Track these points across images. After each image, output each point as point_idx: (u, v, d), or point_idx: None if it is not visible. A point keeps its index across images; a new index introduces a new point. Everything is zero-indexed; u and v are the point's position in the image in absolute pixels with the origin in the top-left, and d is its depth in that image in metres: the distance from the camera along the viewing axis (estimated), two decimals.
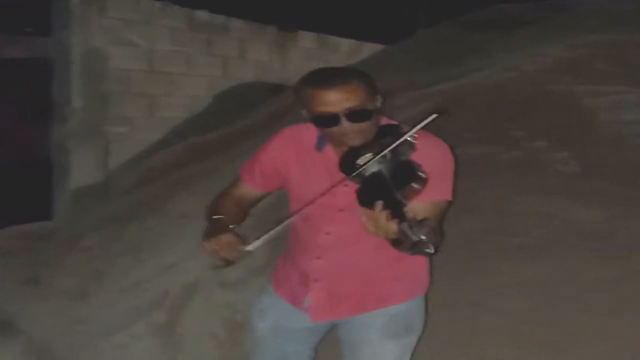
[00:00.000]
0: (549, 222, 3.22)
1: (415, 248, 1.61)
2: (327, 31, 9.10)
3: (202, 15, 7.46)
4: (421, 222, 1.62)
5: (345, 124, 1.87)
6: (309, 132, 2.09)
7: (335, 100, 1.85)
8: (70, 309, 3.72)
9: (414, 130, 1.86)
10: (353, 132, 1.89)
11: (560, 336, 2.61)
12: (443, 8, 8.88)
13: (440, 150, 2.03)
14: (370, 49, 9.27)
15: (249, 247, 1.96)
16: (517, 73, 4.70)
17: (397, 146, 1.86)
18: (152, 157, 6.10)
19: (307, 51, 8.72)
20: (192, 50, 7.32)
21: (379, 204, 1.68)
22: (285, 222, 1.99)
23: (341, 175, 1.93)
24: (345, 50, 9.13)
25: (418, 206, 1.80)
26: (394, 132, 1.91)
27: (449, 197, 2.02)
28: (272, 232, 1.96)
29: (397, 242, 1.65)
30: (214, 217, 2.13)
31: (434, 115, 1.87)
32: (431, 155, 1.93)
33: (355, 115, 1.86)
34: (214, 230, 2.00)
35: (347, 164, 1.91)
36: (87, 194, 6.17)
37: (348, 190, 1.93)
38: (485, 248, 3.14)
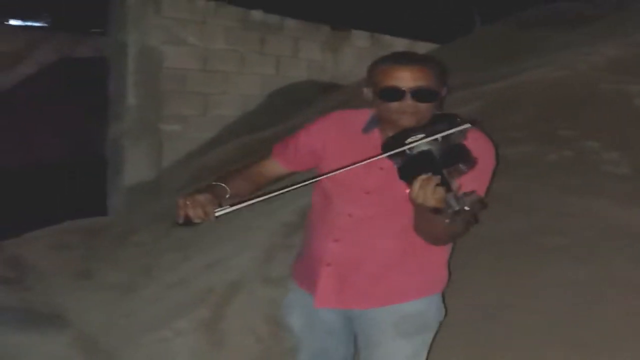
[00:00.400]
0: (595, 224, 3.13)
1: (457, 216, 1.61)
2: (381, 30, 9.02)
3: (257, 14, 7.53)
4: (467, 194, 1.62)
5: (409, 100, 1.90)
6: (359, 117, 2.10)
7: (406, 77, 1.90)
8: (118, 302, 3.79)
9: (457, 129, 1.81)
10: (411, 111, 1.91)
11: (601, 338, 2.55)
12: (498, 6, 8.71)
13: (487, 148, 2.00)
14: (424, 48, 9.13)
15: (217, 212, 1.90)
16: (570, 72, 4.60)
17: (449, 134, 1.83)
18: (205, 155, 6.17)
19: (360, 50, 8.65)
20: (245, 49, 7.37)
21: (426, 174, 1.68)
22: (262, 198, 1.91)
23: (381, 161, 1.89)
24: (399, 50, 9.01)
25: None
26: (450, 120, 1.88)
27: (482, 193, 1.97)
28: (244, 204, 1.89)
29: (439, 211, 1.64)
30: (213, 182, 2.11)
31: (467, 125, 1.82)
32: (478, 149, 1.87)
33: (420, 93, 1.90)
34: (196, 189, 2.00)
35: (393, 144, 1.87)
36: (140, 190, 6.29)
37: (381, 174, 1.95)
38: (530, 248, 3.08)
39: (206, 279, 3.61)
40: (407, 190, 1.71)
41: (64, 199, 7.44)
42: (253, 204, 1.89)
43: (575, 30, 5.92)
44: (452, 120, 1.87)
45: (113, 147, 6.37)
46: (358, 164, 1.87)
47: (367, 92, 2.03)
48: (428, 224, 1.84)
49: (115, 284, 4.01)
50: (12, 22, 17.44)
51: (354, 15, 8.53)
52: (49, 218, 5.56)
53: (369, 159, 1.87)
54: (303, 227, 2.23)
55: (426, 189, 1.65)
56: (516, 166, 3.82)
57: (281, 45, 7.82)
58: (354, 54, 8.55)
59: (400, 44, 9.20)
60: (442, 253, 2.15)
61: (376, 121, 2.06)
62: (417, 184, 1.67)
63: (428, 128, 1.86)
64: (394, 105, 1.91)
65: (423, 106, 1.91)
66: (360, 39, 8.78)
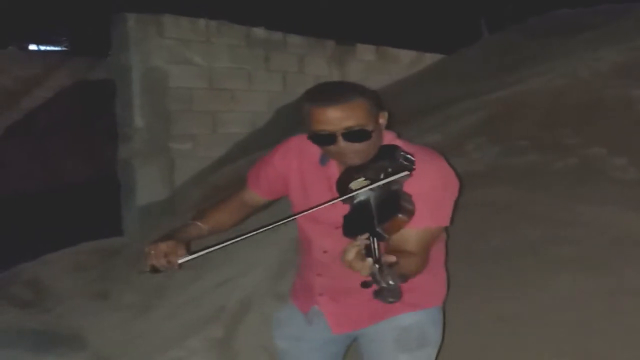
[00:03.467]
0: (605, 233, 3.15)
1: (379, 295, 1.59)
2: (387, 43, 9.05)
3: (260, 32, 7.57)
4: (391, 267, 1.60)
5: (342, 143, 1.83)
6: (315, 146, 2.05)
7: (333, 118, 1.80)
8: (132, 323, 3.83)
9: (389, 179, 1.80)
10: (351, 152, 1.85)
11: (613, 350, 2.55)
12: (506, 15, 8.74)
13: (439, 175, 1.96)
14: (431, 59, 9.21)
15: (180, 260, 1.92)
16: (573, 79, 4.63)
17: (393, 170, 1.82)
18: (217, 173, 6.20)
19: (367, 64, 8.67)
20: (251, 66, 7.41)
21: (359, 238, 1.66)
22: (224, 244, 1.88)
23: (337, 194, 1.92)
24: (406, 62, 9.04)
25: (409, 232, 1.80)
26: (392, 156, 1.87)
27: (445, 224, 1.98)
28: (206, 251, 1.88)
29: (366, 284, 1.62)
30: (188, 222, 2.15)
31: (405, 173, 1.81)
32: (429, 181, 1.89)
33: (352, 135, 1.82)
34: (162, 236, 2.00)
35: (343, 184, 1.89)
36: (154, 210, 6.34)
37: (345, 208, 1.91)
38: (540, 258, 3.11)
39: (218, 297, 3.64)
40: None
41: (80, 220, 7.53)
42: (214, 250, 1.88)
43: (577, 37, 5.94)
44: (393, 155, 1.86)
45: (124, 168, 6.41)
46: (317, 208, 1.87)
47: (307, 131, 1.94)
48: None
49: (131, 304, 4.05)
50: (31, 47, 17.74)
51: (359, 29, 8.57)
52: (65, 240, 5.63)
53: (323, 203, 1.87)
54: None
55: (356, 262, 1.62)
56: (523, 175, 3.84)
57: (286, 62, 7.86)
58: (360, 68, 8.57)
59: (406, 56, 9.25)
60: (435, 265, 2.13)
61: None
62: (349, 254, 1.64)
63: (371, 168, 1.86)
64: (331, 148, 1.86)
65: (360, 146, 1.85)
66: (366, 52, 8.80)
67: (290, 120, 6.87)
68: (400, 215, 1.71)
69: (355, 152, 1.86)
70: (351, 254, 1.63)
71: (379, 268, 1.59)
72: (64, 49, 17.95)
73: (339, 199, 1.85)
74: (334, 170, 2.01)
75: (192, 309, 3.65)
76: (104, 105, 7.46)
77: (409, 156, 1.87)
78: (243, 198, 2.28)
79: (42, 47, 18.15)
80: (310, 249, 2.13)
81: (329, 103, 1.81)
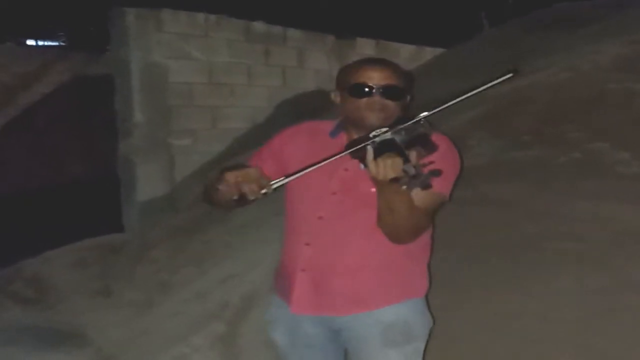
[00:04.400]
0: (608, 228, 3.10)
1: (414, 180, 1.66)
2: (387, 37, 9.03)
3: (259, 26, 7.53)
4: (424, 164, 1.71)
5: (376, 97, 1.99)
6: (327, 124, 2.17)
7: (375, 76, 2.01)
8: (136, 320, 3.83)
9: (415, 119, 1.83)
10: (378, 107, 1.99)
11: (617, 347, 2.53)
12: (506, 9, 8.70)
13: (449, 150, 2.06)
14: (431, 53, 9.16)
15: (273, 184, 1.87)
16: (575, 73, 4.58)
17: (412, 129, 1.83)
18: (217, 169, 6.16)
19: None
20: (250, 61, 7.36)
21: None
22: (308, 169, 1.88)
23: (346, 161, 1.96)
24: (406, 56, 8.98)
25: (418, 191, 1.80)
26: (409, 119, 1.87)
27: (447, 193, 2.02)
28: (296, 175, 1.88)
29: (397, 180, 1.70)
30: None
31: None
32: (443, 149, 1.94)
33: (388, 91, 2.00)
34: (239, 166, 1.94)
35: (356, 142, 1.88)
36: (155, 206, 6.31)
37: (345, 175, 2.01)
38: (543, 254, 3.06)
39: (221, 294, 3.63)
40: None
41: (80, 217, 7.50)
42: (309, 170, 1.88)
43: (578, 31, 5.89)
44: (411, 120, 1.86)
45: (124, 164, 6.39)
46: (322, 163, 1.87)
47: (335, 95, 2.12)
48: (389, 208, 1.86)
49: (133, 301, 4.06)
50: (29, 42, 17.70)
51: (359, 23, 8.53)
52: (66, 237, 5.63)
53: (333, 156, 1.87)
54: (285, 216, 2.22)
55: (385, 162, 1.71)
56: (525, 170, 3.81)
57: (286, 56, 7.83)
58: None
59: (406, 50, 9.24)
60: (419, 256, 2.15)
61: (343, 125, 2.13)
62: (376, 163, 1.74)
63: (392, 125, 1.87)
64: (363, 101, 2.00)
65: (390, 104, 2.00)
66: (366, 46, 8.78)
67: (291, 115, 6.85)
68: (422, 148, 1.78)
69: (383, 108, 1.99)
70: (385, 158, 1.72)
71: (413, 164, 1.68)
72: (62, 44, 17.92)
73: (362, 145, 1.82)
74: (343, 139, 2.07)
75: (195, 305, 3.65)
76: (102, 101, 7.40)
77: (424, 122, 1.88)
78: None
79: (40, 43, 18.13)
80: (301, 218, 2.11)
81: (375, 64, 2.05)
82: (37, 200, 9.48)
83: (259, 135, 6.77)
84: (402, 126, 1.82)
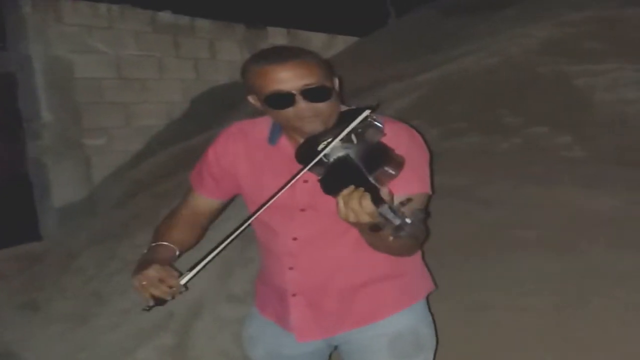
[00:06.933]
0: (563, 213, 3.07)
1: (400, 231, 1.39)
2: (297, 26, 8.87)
3: (166, 16, 7.22)
4: (404, 204, 1.42)
5: (302, 103, 1.66)
6: (260, 126, 1.91)
7: (289, 77, 1.64)
8: (72, 334, 3.53)
9: (360, 118, 1.67)
10: (311, 114, 1.68)
11: (592, 334, 2.47)
12: None
13: (412, 137, 1.83)
14: (344, 42, 9.09)
15: (182, 280, 1.73)
16: (505, 56, 4.60)
17: (363, 130, 1.67)
18: (137, 169, 5.91)
19: None
20: (160, 53, 7.07)
21: (350, 187, 1.49)
22: (225, 243, 1.70)
23: (298, 167, 1.70)
24: (318, 45, 8.87)
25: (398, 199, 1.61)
26: (357, 115, 1.70)
27: (429, 190, 1.84)
28: (208, 258, 1.70)
29: (377, 227, 1.45)
30: (153, 244, 1.93)
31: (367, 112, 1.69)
32: (403, 142, 1.75)
33: (312, 93, 1.66)
34: (141, 264, 1.79)
35: (306, 153, 1.70)
36: (73, 210, 6.00)
37: (308, 187, 1.77)
38: (500, 243, 3.00)
39: None
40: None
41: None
42: (212, 259, 1.70)
43: (498, 14, 5.91)
44: (358, 114, 1.70)
45: (35, 167, 6.01)
46: (282, 190, 1.67)
47: (254, 100, 1.78)
48: (377, 241, 1.62)
49: (66, 315, 3.74)
50: None
51: (268, 12, 8.33)
52: None
53: (290, 180, 1.67)
54: (256, 238, 2.05)
55: (353, 204, 1.45)
56: (468, 158, 3.76)
57: (197, 48, 7.55)
58: None
59: (317, 39, 9.11)
60: (414, 256, 2.00)
61: (279, 129, 1.86)
62: (340, 201, 1.48)
63: (337, 131, 1.68)
64: (289, 112, 1.68)
65: (322, 106, 1.69)
66: (277, 36, 8.60)
67: (208, 110, 6.62)
68: (387, 168, 1.56)
69: (317, 113, 1.68)
70: (352, 199, 1.45)
71: (389, 206, 1.41)
72: None
73: (313, 164, 1.64)
74: (287, 146, 1.83)
75: (136, 316, 3.37)
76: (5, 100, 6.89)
77: (375, 117, 1.70)
78: (194, 207, 2.05)
79: None
80: (275, 241, 1.90)
81: (283, 60, 1.66)
82: None
83: (176, 131, 6.51)
84: (349, 129, 1.64)
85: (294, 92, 1.65)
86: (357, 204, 1.44)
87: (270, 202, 1.67)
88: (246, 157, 1.90)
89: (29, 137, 6.01)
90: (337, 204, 1.48)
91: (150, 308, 1.77)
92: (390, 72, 5.40)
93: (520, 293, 2.70)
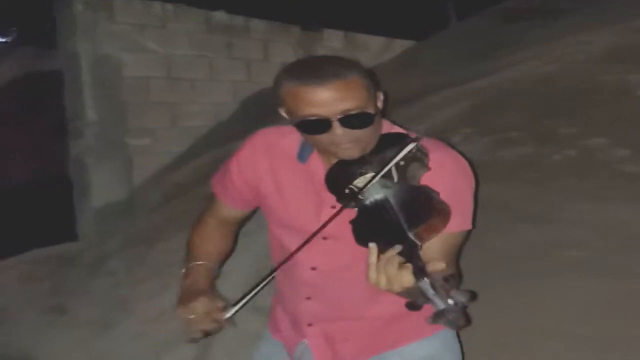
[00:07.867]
0: (613, 233, 2.84)
1: (441, 318, 1.19)
2: (355, 29, 8.67)
3: (220, 16, 7.11)
4: (448, 280, 1.20)
5: (339, 130, 1.47)
6: (290, 138, 1.71)
7: (325, 100, 1.44)
8: (93, 342, 3.48)
9: (404, 152, 1.49)
10: (348, 142, 1.50)
11: None
12: (474, 1, 8.48)
13: (459, 167, 1.63)
14: (401, 45, 8.92)
15: (228, 315, 1.69)
16: (563, 64, 4.40)
17: (407, 163, 1.49)
18: (178, 171, 5.86)
19: (335, 51, 8.18)
20: (212, 54, 6.96)
21: (390, 248, 1.30)
22: (268, 278, 1.65)
23: (330, 197, 1.57)
24: (375, 49, 8.69)
25: (433, 240, 1.42)
26: (400, 145, 1.52)
27: (470, 226, 1.63)
28: (252, 293, 1.66)
29: (414, 307, 1.25)
30: (192, 264, 1.83)
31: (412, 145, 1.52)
32: (449, 175, 1.56)
33: (352, 120, 1.46)
34: (187, 295, 1.73)
35: (339, 184, 1.54)
36: (111, 212, 5.94)
37: (333, 213, 1.57)
38: (545, 263, 2.78)
39: None
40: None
41: (27, 225, 7.03)
42: (256, 294, 1.67)
43: (559, 21, 5.70)
44: (403, 142, 1.52)
45: (76, 166, 5.98)
46: (317, 232, 1.56)
47: (285, 113, 1.57)
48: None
49: (91, 320, 3.68)
50: None
51: (326, 14, 8.20)
52: (11, 247, 5.14)
53: (329, 220, 1.54)
54: (272, 257, 1.94)
55: (389, 270, 1.28)
56: (517, 170, 3.56)
57: (250, 49, 7.43)
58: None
59: (374, 43, 8.91)
60: None
61: (310, 145, 1.66)
62: (373, 264, 1.32)
63: (376, 160, 1.51)
64: (324, 137, 1.50)
65: (362, 133, 1.50)
66: (333, 38, 8.42)
67: (257, 112, 6.51)
68: (433, 221, 1.37)
69: (355, 141, 1.50)
70: (390, 264, 1.29)
71: (430, 282, 1.20)
72: (10, 40, 17.36)
73: (348, 203, 1.49)
74: (318, 166, 1.65)
75: (160, 325, 3.30)
76: (53, 98, 6.95)
77: (420, 146, 1.52)
78: (220, 215, 1.92)
79: None
80: (293, 268, 1.72)
81: (320, 80, 1.44)
82: None
83: (223, 133, 6.42)
84: (390, 165, 1.47)
85: (331, 118, 1.46)
86: (394, 270, 1.28)
87: (308, 242, 1.60)
88: (270, 173, 1.74)
89: (72, 136, 5.98)
90: (368, 263, 1.33)
91: (197, 340, 1.75)
92: (443, 78, 5.24)
93: (560, 318, 2.50)
